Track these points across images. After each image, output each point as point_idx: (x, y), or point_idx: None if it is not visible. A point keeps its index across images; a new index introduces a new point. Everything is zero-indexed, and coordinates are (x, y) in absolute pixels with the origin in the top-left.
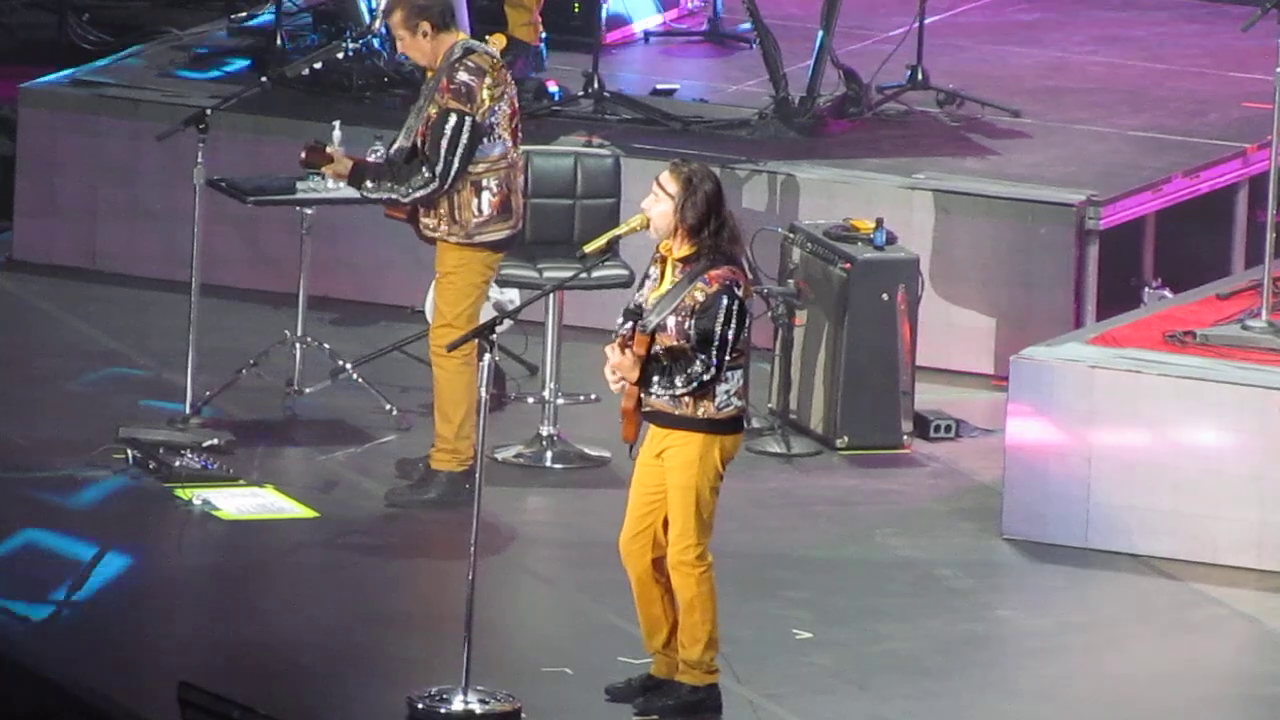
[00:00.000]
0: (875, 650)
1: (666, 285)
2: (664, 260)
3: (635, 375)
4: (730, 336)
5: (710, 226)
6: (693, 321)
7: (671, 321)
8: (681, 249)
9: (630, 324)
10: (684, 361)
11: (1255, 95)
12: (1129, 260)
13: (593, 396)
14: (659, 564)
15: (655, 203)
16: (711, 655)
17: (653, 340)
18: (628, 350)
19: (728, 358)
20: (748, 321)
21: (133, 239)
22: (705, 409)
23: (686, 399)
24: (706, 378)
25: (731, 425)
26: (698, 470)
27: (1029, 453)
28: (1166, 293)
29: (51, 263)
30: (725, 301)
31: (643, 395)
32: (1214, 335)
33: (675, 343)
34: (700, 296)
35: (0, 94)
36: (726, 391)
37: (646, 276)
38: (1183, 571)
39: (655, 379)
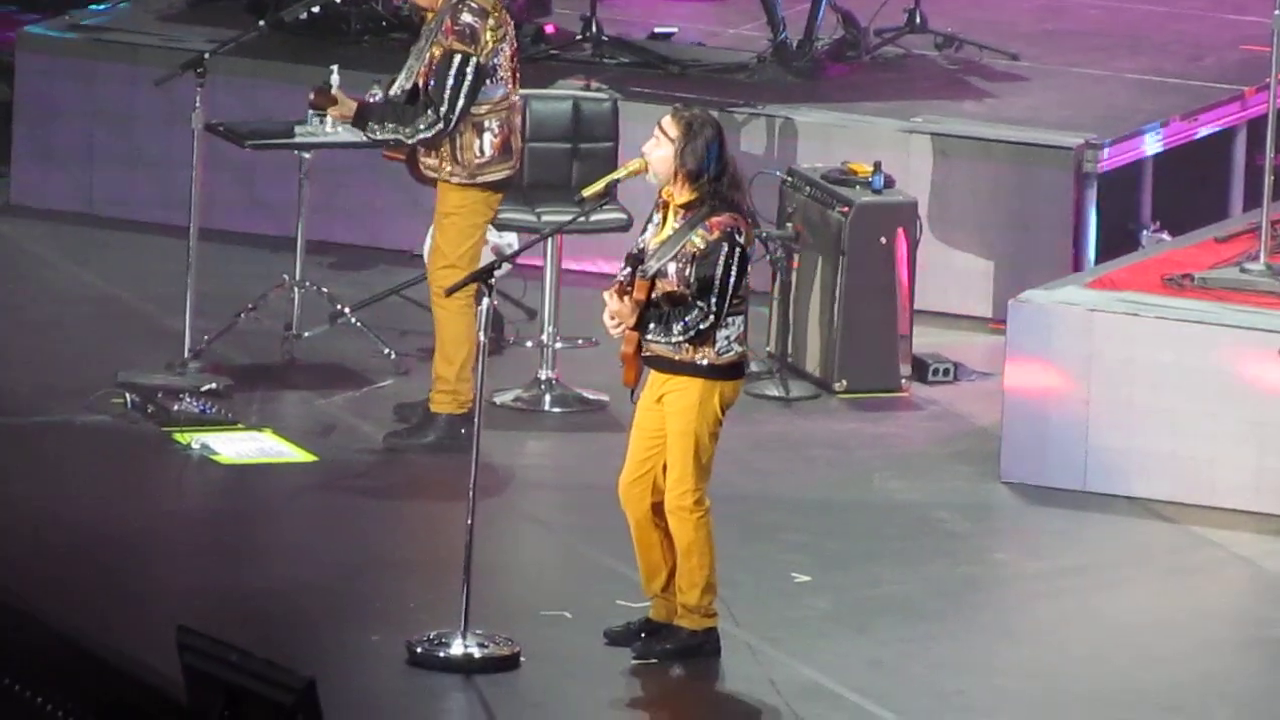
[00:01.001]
0: (873, 593)
1: (667, 231)
2: (666, 206)
3: (633, 321)
4: (730, 284)
5: (710, 173)
6: (693, 268)
7: (672, 268)
8: (682, 195)
9: (629, 269)
10: (683, 308)
11: (1253, 38)
12: (1127, 204)
13: (592, 340)
14: (658, 508)
15: (656, 146)
16: (710, 599)
17: (653, 286)
18: (626, 296)
19: (728, 305)
20: (748, 269)
21: (130, 184)
22: (705, 354)
23: (686, 345)
24: (704, 325)
25: (732, 371)
26: (697, 415)
27: (1027, 396)
28: (1165, 236)
29: (49, 208)
30: (726, 248)
31: (642, 340)
32: (1212, 278)
33: (675, 289)
34: (700, 243)
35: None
36: (727, 337)
37: (649, 221)
38: (1180, 514)
39: (653, 325)
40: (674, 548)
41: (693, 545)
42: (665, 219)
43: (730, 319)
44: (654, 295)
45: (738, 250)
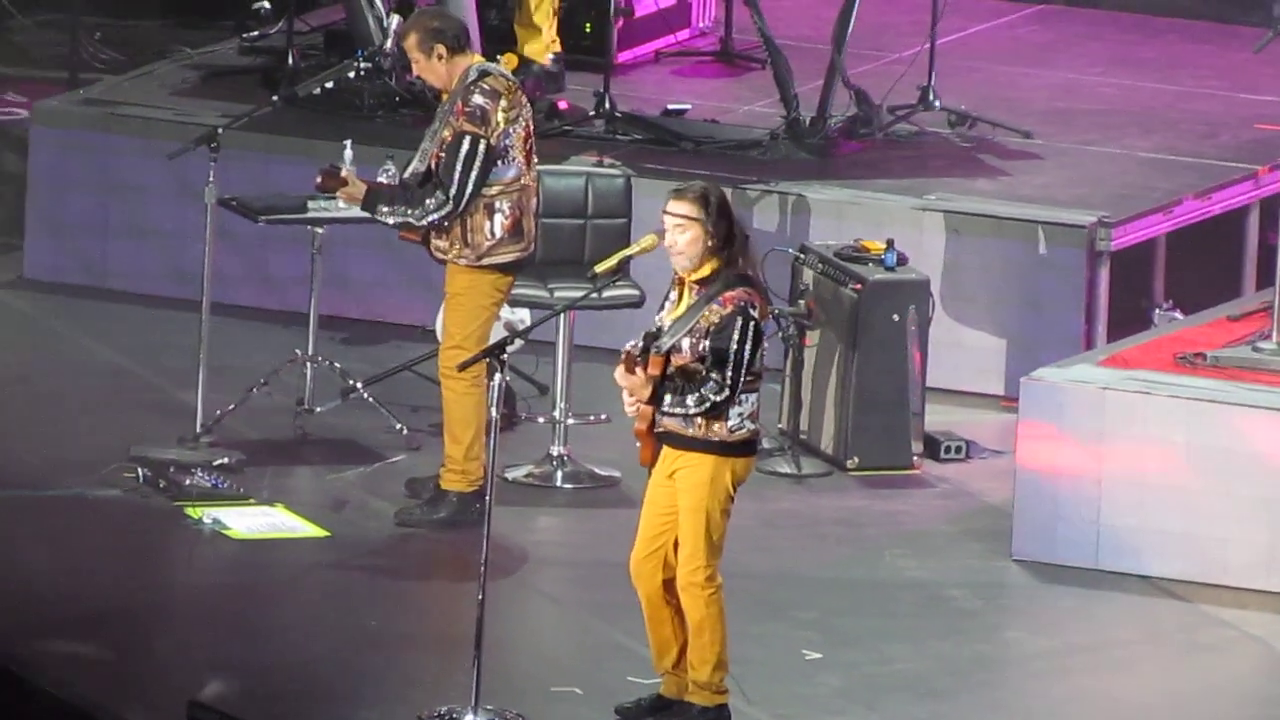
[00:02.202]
0: (884, 671)
1: (683, 308)
2: (681, 283)
3: (647, 394)
4: (745, 356)
5: (735, 230)
6: (707, 342)
7: (686, 343)
8: (700, 270)
9: (642, 345)
10: (697, 382)
11: (1267, 117)
12: (1140, 282)
13: (603, 416)
14: (669, 585)
15: (680, 233)
16: (721, 676)
17: (667, 361)
18: (638, 369)
19: (743, 378)
20: (763, 343)
21: (143, 258)
22: (718, 431)
23: (699, 420)
24: (720, 398)
25: (744, 448)
26: (709, 492)
27: (1039, 474)
28: (1177, 314)
29: (62, 281)
30: (740, 322)
31: (656, 416)
32: (1225, 357)
33: (689, 363)
34: (715, 318)
35: (12, 112)
36: (740, 414)
37: (665, 299)
38: (1192, 593)
39: (668, 398)
40: (685, 624)
41: (704, 622)
42: (681, 295)
43: (744, 396)
44: (668, 370)
45: (752, 324)
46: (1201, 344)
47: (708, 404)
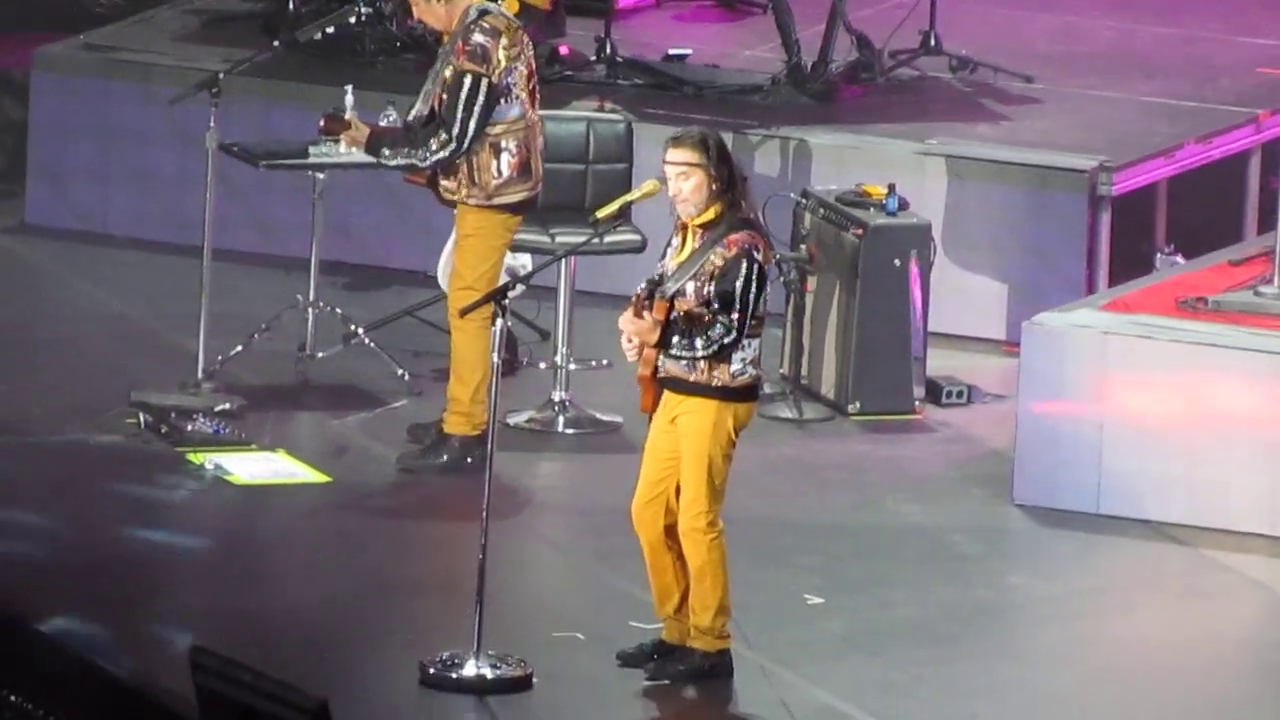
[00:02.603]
0: (886, 616)
1: (686, 252)
2: (685, 228)
3: (654, 338)
4: (751, 299)
5: (735, 173)
6: (712, 285)
7: (690, 287)
8: (704, 215)
9: (648, 290)
10: (703, 325)
11: (1269, 61)
12: (1141, 226)
13: (605, 362)
14: (671, 530)
15: (683, 180)
16: (723, 622)
17: (671, 305)
18: (645, 313)
19: (750, 320)
20: (767, 285)
21: (144, 204)
22: (720, 376)
23: (702, 365)
24: (727, 340)
25: (746, 393)
26: (710, 437)
27: (1041, 419)
28: (1179, 259)
29: (63, 227)
30: (745, 264)
31: (660, 360)
32: (1226, 301)
33: (694, 308)
34: (719, 261)
35: (13, 59)
36: (742, 359)
37: (668, 245)
38: (1194, 538)
39: (675, 340)
40: (687, 570)
41: (706, 567)
42: (685, 241)
43: (747, 340)
44: (673, 315)
45: (756, 266)
46: (1203, 288)
47: (715, 347)
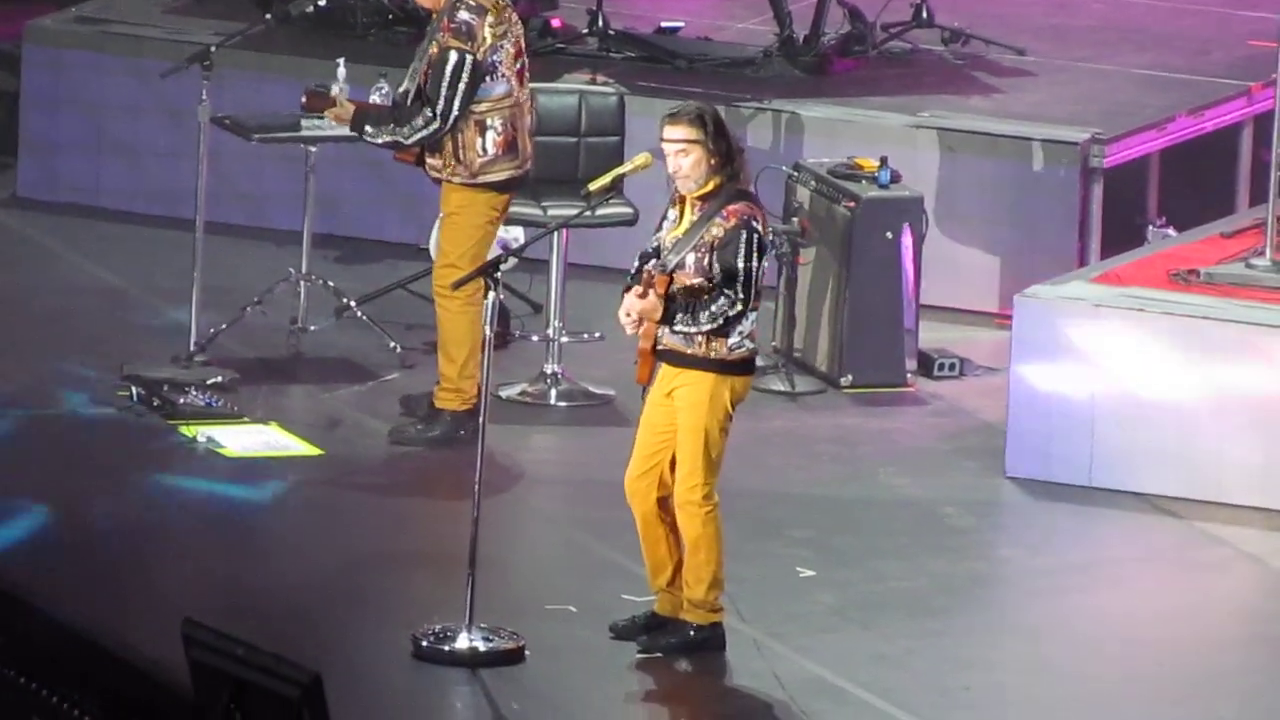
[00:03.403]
0: (878, 589)
1: (685, 225)
2: (682, 201)
3: (659, 314)
4: (753, 269)
5: (733, 146)
6: (712, 257)
7: (690, 259)
8: (703, 188)
9: (646, 266)
10: (707, 299)
11: (1260, 33)
12: (1133, 199)
13: (597, 335)
14: (664, 503)
15: (682, 157)
16: (716, 594)
17: (671, 279)
18: (651, 291)
19: (754, 290)
20: (766, 256)
21: (136, 176)
22: (718, 349)
23: (700, 338)
24: (732, 312)
25: (743, 367)
26: (707, 410)
27: (1033, 391)
28: (1170, 231)
29: (54, 200)
30: (745, 235)
31: (660, 332)
32: (1218, 274)
33: (693, 280)
34: (719, 232)
35: (5, 31)
36: (740, 333)
37: (664, 218)
38: (1186, 510)
39: (678, 316)
40: (680, 542)
41: (700, 540)
42: (682, 214)
43: (745, 314)
44: (672, 288)
45: (755, 236)
46: (1195, 261)
47: (719, 320)
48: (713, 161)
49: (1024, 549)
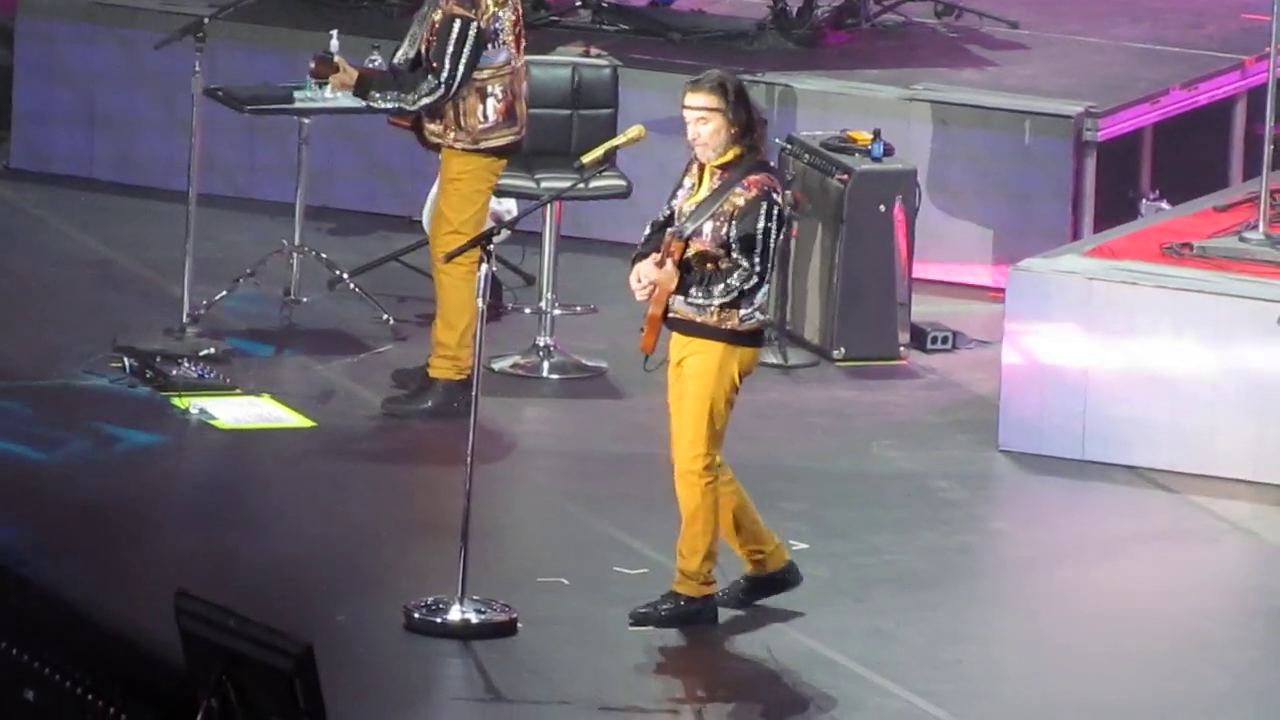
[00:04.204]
0: (871, 562)
1: (704, 192)
2: (701, 168)
3: (674, 283)
4: (772, 241)
5: (754, 115)
6: (730, 226)
7: (708, 227)
8: (723, 156)
9: (649, 232)
10: (723, 271)
11: (1253, 7)
12: (1127, 172)
13: (590, 307)
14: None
15: (701, 125)
16: (709, 567)
17: (686, 245)
18: (668, 261)
19: (770, 263)
20: (784, 228)
21: (130, 148)
22: (730, 320)
23: (712, 309)
24: (749, 285)
25: (753, 339)
26: (714, 379)
27: (1026, 365)
28: (1164, 205)
29: (48, 172)
30: (765, 206)
31: (673, 302)
32: (1211, 247)
33: (708, 248)
34: (740, 201)
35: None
36: (752, 304)
37: (679, 186)
38: (1179, 484)
39: (693, 287)
40: (742, 505)
41: (698, 511)
42: (700, 181)
43: (759, 286)
44: (687, 255)
45: (776, 208)
46: (1188, 234)
47: (735, 293)
48: (733, 130)
49: (1016, 522)
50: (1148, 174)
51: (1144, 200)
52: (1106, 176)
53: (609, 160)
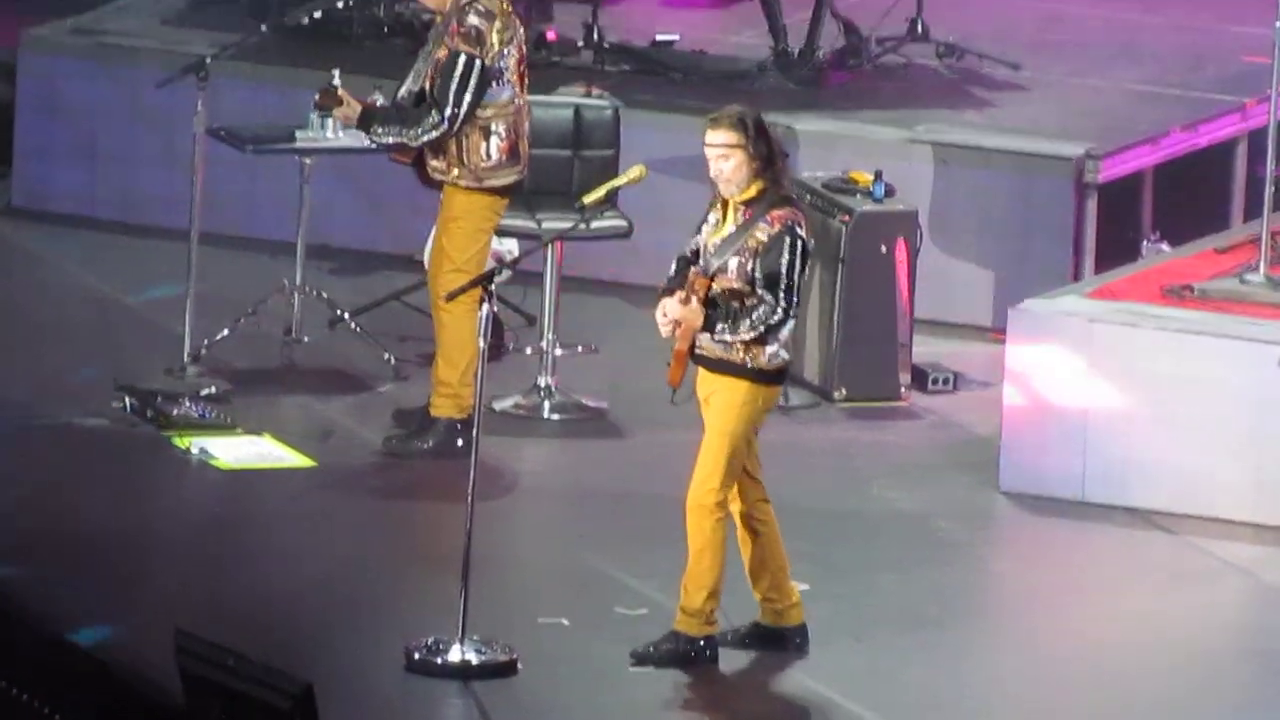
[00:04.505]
0: (872, 602)
1: (728, 228)
2: (724, 204)
3: (700, 320)
4: (796, 276)
5: (775, 149)
6: (755, 262)
7: (733, 262)
8: (746, 192)
9: (675, 268)
10: (748, 307)
11: (1254, 49)
12: (1127, 214)
13: (592, 347)
14: (745, 515)
15: (722, 161)
16: (713, 606)
17: (712, 282)
18: (693, 298)
19: (795, 299)
20: (809, 262)
21: (132, 186)
22: (756, 357)
23: (739, 346)
24: (774, 320)
25: (777, 377)
26: (737, 416)
27: (1026, 405)
28: (1164, 246)
29: (50, 210)
30: (789, 241)
31: (700, 339)
32: (1212, 289)
33: (734, 284)
34: (764, 236)
35: (1, 40)
36: (779, 340)
37: (704, 221)
38: (1179, 525)
39: (719, 324)
40: (767, 549)
41: (707, 547)
42: (725, 217)
43: (785, 321)
44: (713, 291)
45: (799, 242)
46: (1188, 276)
47: (761, 328)
48: (754, 165)
49: (1017, 562)
50: (1148, 215)
51: (1145, 242)
52: (1107, 218)
53: (610, 200)
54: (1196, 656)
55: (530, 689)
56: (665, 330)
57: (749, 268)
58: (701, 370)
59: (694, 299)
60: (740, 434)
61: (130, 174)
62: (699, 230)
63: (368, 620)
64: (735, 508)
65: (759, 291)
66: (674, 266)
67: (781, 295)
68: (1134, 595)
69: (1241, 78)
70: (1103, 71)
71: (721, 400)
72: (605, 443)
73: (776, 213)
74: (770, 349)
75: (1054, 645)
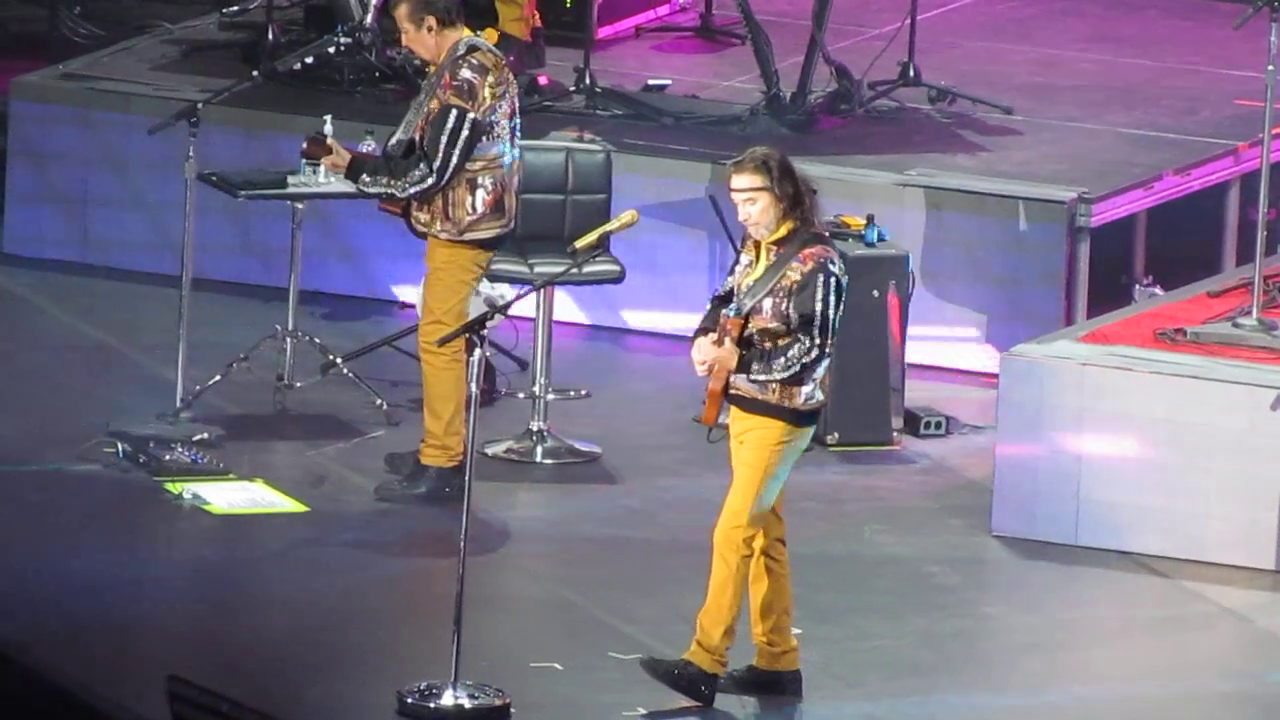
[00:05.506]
0: (863, 647)
1: (761, 268)
2: (757, 245)
3: (734, 362)
4: (831, 314)
5: (802, 187)
6: (790, 301)
7: (768, 303)
8: (777, 232)
9: (710, 308)
10: (782, 347)
11: (1247, 93)
12: (1120, 257)
13: (583, 392)
14: (765, 550)
15: (749, 205)
16: (727, 645)
17: (746, 322)
18: (726, 339)
19: (831, 338)
20: (844, 299)
21: (124, 232)
22: (794, 398)
23: (774, 386)
24: (809, 359)
25: (811, 418)
26: (770, 454)
27: (1019, 450)
28: (1157, 290)
29: (42, 256)
30: (822, 279)
31: (735, 379)
32: (1205, 333)
33: (770, 325)
34: (797, 275)
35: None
36: (814, 380)
37: (736, 262)
38: (1172, 569)
39: (754, 365)
40: (779, 589)
41: (729, 582)
42: (758, 258)
43: (820, 360)
44: (748, 332)
45: (833, 280)
46: (1182, 320)
47: (796, 367)
48: (782, 206)
49: (1010, 607)
50: (1141, 259)
51: (1137, 286)
52: (1100, 262)
53: (602, 245)
54: (1190, 700)
55: None
56: (701, 371)
57: (784, 307)
58: (734, 410)
59: (727, 340)
60: (772, 473)
61: (122, 220)
62: (731, 271)
63: (360, 665)
64: (760, 544)
65: (794, 330)
66: (708, 307)
67: (816, 333)
68: (1127, 639)
69: (1234, 122)
70: (1095, 115)
71: (755, 438)
72: (598, 487)
73: (809, 250)
74: (805, 389)
75: (1046, 690)
